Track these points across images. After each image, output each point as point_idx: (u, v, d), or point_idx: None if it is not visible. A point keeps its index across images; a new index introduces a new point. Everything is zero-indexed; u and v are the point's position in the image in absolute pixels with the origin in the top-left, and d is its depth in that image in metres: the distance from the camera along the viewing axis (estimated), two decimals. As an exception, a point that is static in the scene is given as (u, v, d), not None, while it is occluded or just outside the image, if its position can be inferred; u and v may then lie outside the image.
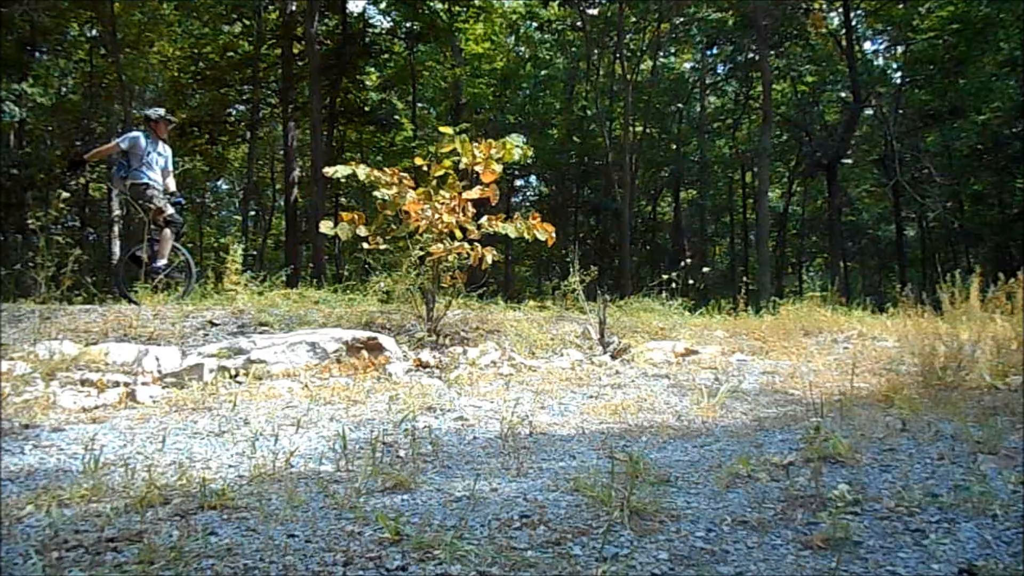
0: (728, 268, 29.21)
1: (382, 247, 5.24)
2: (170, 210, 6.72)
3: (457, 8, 20.69)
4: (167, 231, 6.69)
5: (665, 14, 21.95)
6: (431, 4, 19.90)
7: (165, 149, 7.00)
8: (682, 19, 23.06)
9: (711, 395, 3.39)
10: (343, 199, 24.63)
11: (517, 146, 5.03)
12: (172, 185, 7.07)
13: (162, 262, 6.56)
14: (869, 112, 22.80)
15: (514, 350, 4.76)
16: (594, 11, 22.24)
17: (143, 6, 19.53)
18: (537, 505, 1.99)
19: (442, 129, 5.14)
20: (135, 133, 6.97)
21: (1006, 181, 21.23)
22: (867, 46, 24.50)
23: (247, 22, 21.29)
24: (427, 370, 4.29)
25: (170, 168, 7.11)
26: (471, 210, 5.11)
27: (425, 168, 5.07)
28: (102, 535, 1.77)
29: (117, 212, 19.84)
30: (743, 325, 6.15)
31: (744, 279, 9.76)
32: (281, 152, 22.43)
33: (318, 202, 16.60)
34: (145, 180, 6.74)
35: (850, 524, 1.79)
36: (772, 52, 20.56)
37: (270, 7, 21.26)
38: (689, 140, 28.20)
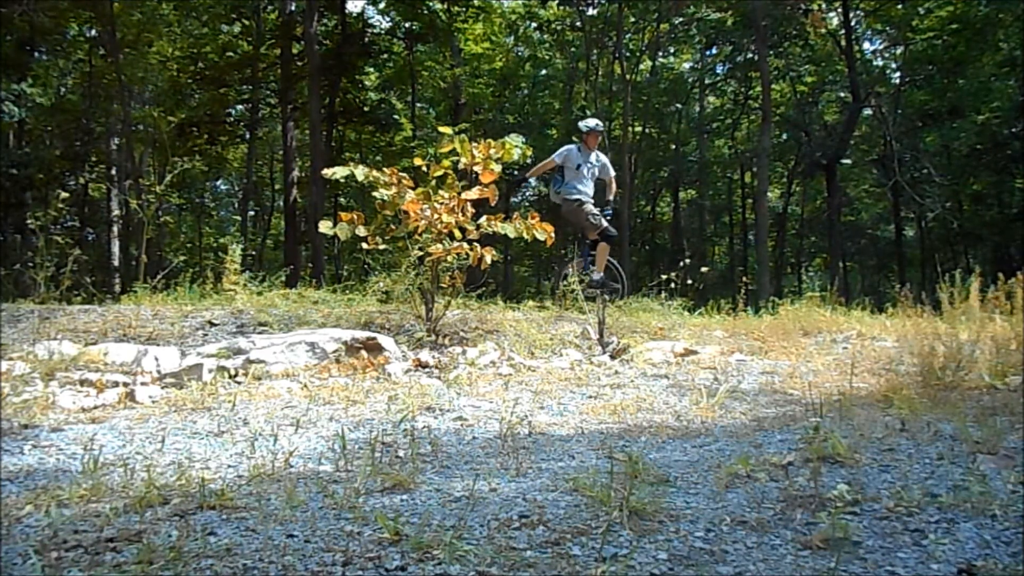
0: (727, 268, 29.20)
1: (381, 247, 5.23)
2: (604, 224, 6.96)
3: (456, 8, 20.68)
4: (603, 244, 6.92)
5: (664, 14, 21.95)
6: (430, 4, 19.90)
7: (598, 158, 7.22)
8: (681, 19, 23.06)
9: (710, 395, 3.39)
10: (342, 199, 24.62)
11: (516, 146, 5.03)
12: (609, 192, 7.32)
13: (599, 275, 6.84)
14: (868, 112, 22.81)
15: (513, 350, 4.76)
16: (593, 11, 22.25)
17: (142, 6, 19.51)
18: (536, 505, 1.99)
19: (441, 129, 5.14)
20: (568, 147, 7.20)
21: (1005, 181, 21.23)
22: (866, 46, 24.52)
23: (246, 22, 21.29)
24: (426, 370, 4.28)
25: (610, 174, 7.33)
26: (470, 210, 5.11)
27: (424, 168, 5.07)
28: (101, 535, 1.77)
29: (116, 212, 19.83)
30: (742, 325, 6.15)
31: (743, 279, 9.73)
32: (280, 152, 22.43)
33: (317, 202, 16.60)
34: (577, 196, 6.97)
35: (849, 524, 1.79)
36: (771, 52, 20.56)
37: (269, 7, 21.26)
38: (688, 140, 28.19)
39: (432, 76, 24.44)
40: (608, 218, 7.07)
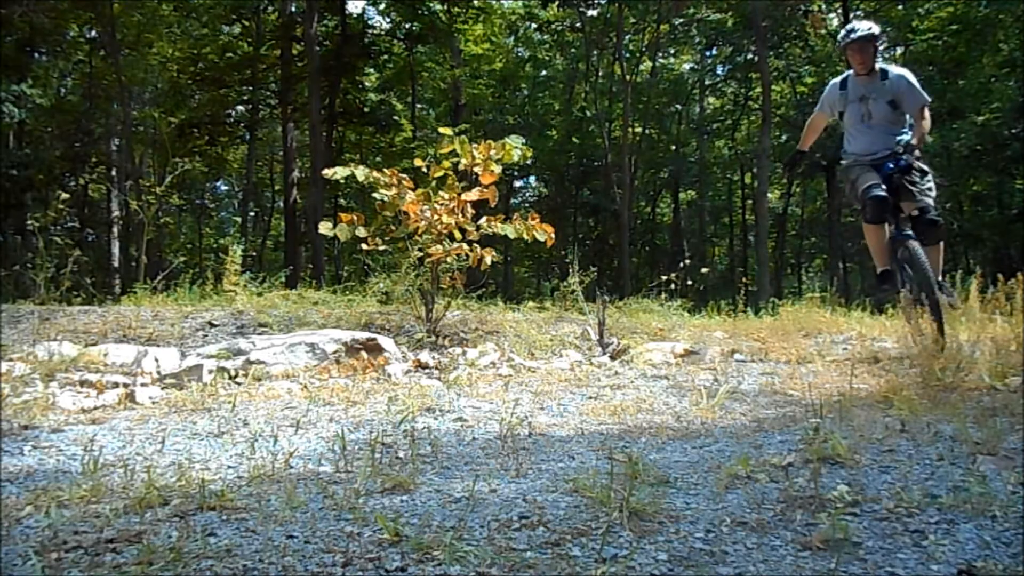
0: (727, 269, 29.22)
1: (381, 248, 5.24)
2: (919, 198, 4.14)
3: (456, 9, 20.71)
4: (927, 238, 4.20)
5: (664, 15, 21.98)
6: (430, 5, 19.92)
7: (882, 83, 4.30)
8: (681, 20, 23.09)
9: (710, 396, 3.39)
10: (342, 200, 24.65)
11: (516, 147, 5.03)
12: (916, 132, 4.26)
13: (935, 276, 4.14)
14: (868, 113, 22.79)
15: (513, 351, 4.76)
16: (593, 12, 22.28)
17: (142, 7, 19.54)
18: (536, 506, 1.99)
19: (441, 130, 5.15)
20: (831, 83, 4.62)
21: (1005, 182, 21.24)
22: (866, 47, 24.50)
23: (246, 23, 21.34)
24: (426, 371, 4.29)
25: (919, 102, 4.28)
26: (470, 211, 5.12)
27: (424, 169, 5.08)
28: (101, 536, 1.77)
29: (116, 213, 19.84)
30: (742, 326, 6.15)
31: (743, 280, 9.78)
32: (280, 153, 22.47)
33: (317, 203, 16.62)
34: (846, 160, 4.56)
35: (849, 525, 1.79)
36: (771, 53, 20.58)
37: (269, 8, 21.28)
38: (688, 141, 28.25)
39: (432, 77, 24.48)
40: (900, 170, 4.13)
